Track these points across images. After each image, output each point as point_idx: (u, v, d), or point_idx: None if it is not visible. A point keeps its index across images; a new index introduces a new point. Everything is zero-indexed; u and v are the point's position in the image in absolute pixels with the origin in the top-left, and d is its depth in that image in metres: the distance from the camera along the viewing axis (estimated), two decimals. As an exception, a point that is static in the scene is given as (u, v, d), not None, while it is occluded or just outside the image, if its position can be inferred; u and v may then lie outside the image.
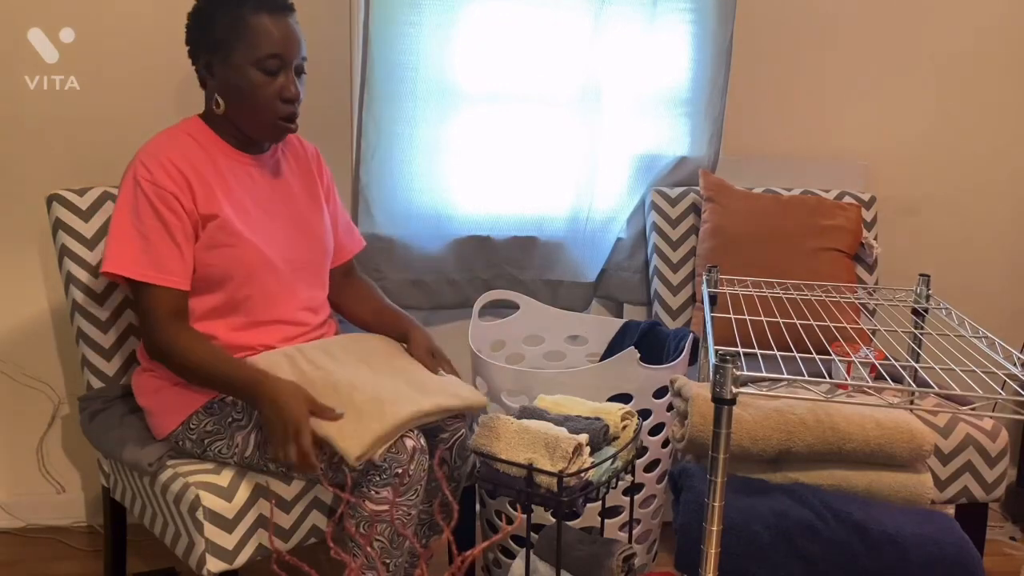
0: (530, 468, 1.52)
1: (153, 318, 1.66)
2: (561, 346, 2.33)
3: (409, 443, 1.60)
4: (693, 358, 2.07)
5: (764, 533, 1.49)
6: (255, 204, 1.77)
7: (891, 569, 1.45)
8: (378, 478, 1.58)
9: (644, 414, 1.92)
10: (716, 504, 1.28)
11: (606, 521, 1.93)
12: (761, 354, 1.42)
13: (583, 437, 1.55)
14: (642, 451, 1.96)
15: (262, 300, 1.76)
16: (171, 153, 1.70)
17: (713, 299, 1.86)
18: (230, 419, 1.70)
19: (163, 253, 1.66)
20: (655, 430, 1.99)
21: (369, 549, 1.58)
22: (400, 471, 1.57)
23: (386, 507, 1.58)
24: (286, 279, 1.79)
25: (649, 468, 2.02)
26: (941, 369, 1.40)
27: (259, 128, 1.76)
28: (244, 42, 1.68)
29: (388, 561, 1.60)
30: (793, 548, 1.47)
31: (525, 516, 1.56)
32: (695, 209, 2.48)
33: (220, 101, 1.73)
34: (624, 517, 1.93)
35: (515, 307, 2.30)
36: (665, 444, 2.03)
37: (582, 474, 1.54)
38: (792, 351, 1.38)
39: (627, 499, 1.88)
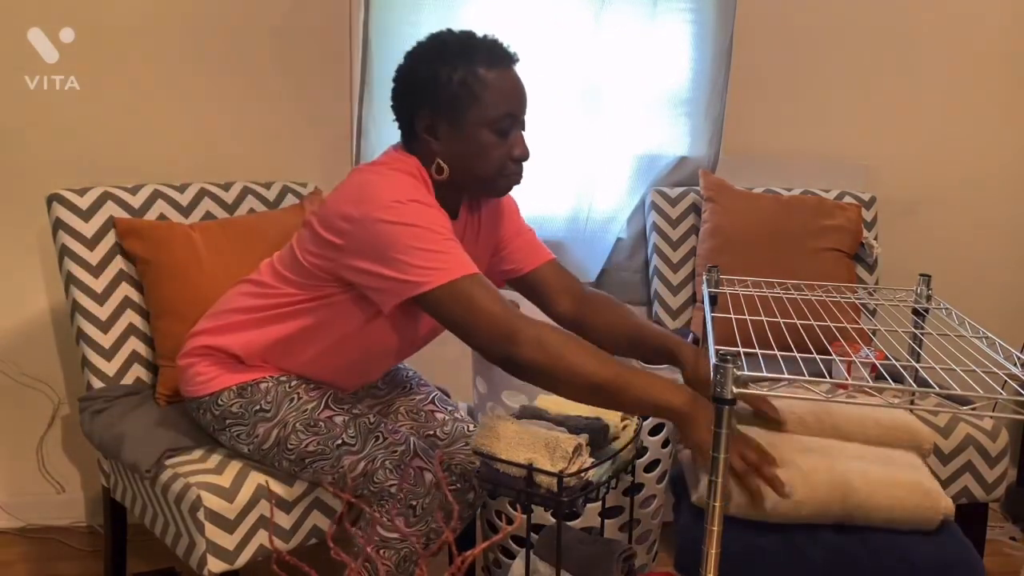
0: (530, 468, 1.52)
1: (489, 314, 1.47)
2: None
3: (428, 477, 1.60)
4: None
5: (764, 536, 1.48)
6: None
7: (892, 571, 1.45)
8: (390, 506, 1.58)
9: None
10: (716, 504, 1.28)
11: (606, 521, 1.93)
12: (761, 354, 1.41)
13: (583, 437, 1.55)
14: (642, 451, 1.96)
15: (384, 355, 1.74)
16: (412, 188, 1.53)
17: (713, 299, 1.86)
18: (257, 407, 1.69)
19: (459, 249, 1.51)
20: (655, 430, 1.99)
21: (381, 564, 1.58)
22: (415, 503, 1.58)
23: (396, 535, 1.58)
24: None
25: (649, 468, 2.02)
26: (941, 369, 1.40)
27: (484, 188, 1.63)
28: (479, 102, 1.53)
29: None
30: (793, 550, 1.47)
31: (525, 516, 1.56)
32: (695, 209, 2.48)
33: (444, 167, 1.57)
34: (624, 517, 1.93)
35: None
36: (665, 444, 2.03)
37: (582, 474, 1.54)
38: (792, 351, 1.38)
39: (627, 499, 1.88)
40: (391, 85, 1.64)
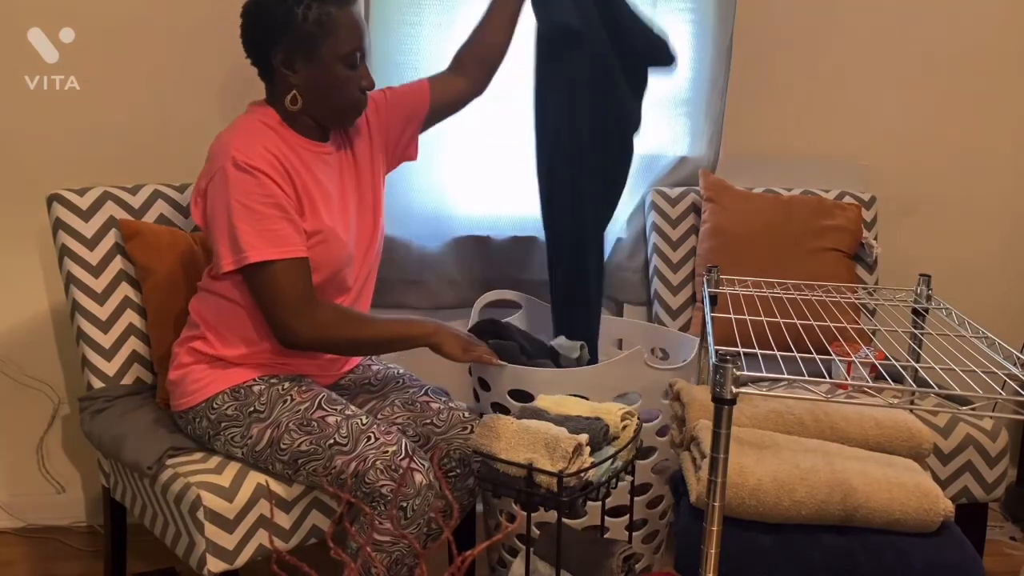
0: (530, 468, 1.52)
1: (285, 302, 1.65)
2: (563, 346, 2.32)
3: (418, 478, 1.60)
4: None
5: (763, 537, 1.48)
6: (336, 194, 1.79)
7: (891, 572, 1.45)
8: (382, 508, 1.58)
9: (650, 415, 1.93)
10: (716, 504, 1.28)
11: (612, 521, 1.93)
12: (761, 354, 1.42)
13: (583, 437, 1.55)
14: (647, 451, 1.96)
15: (337, 294, 1.80)
16: (264, 142, 1.69)
17: (713, 299, 1.86)
18: (251, 409, 1.70)
19: (280, 229, 1.65)
20: (663, 431, 1.98)
21: (372, 568, 1.58)
22: (404, 505, 1.58)
23: (388, 538, 1.58)
24: (360, 275, 1.85)
25: (657, 469, 2.02)
26: (941, 369, 1.40)
27: (337, 119, 1.78)
28: (331, 38, 1.67)
29: None
30: (793, 551, 1.47)
31: (526, 516, 1.56)
32: (695, 209, 2.48)
33: (298, 97, 1.71)
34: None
35: (517, 307, 2.30)
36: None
37: (582, 474, 1.54)
38: (792, 351, 1.38)
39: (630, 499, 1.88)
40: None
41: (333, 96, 1.72)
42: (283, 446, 1.66)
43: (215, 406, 1.72)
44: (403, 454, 1.61)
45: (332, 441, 1.64)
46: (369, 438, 1.63)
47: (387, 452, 1.60)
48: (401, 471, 1.58)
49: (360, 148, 1.87)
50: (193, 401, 1.74)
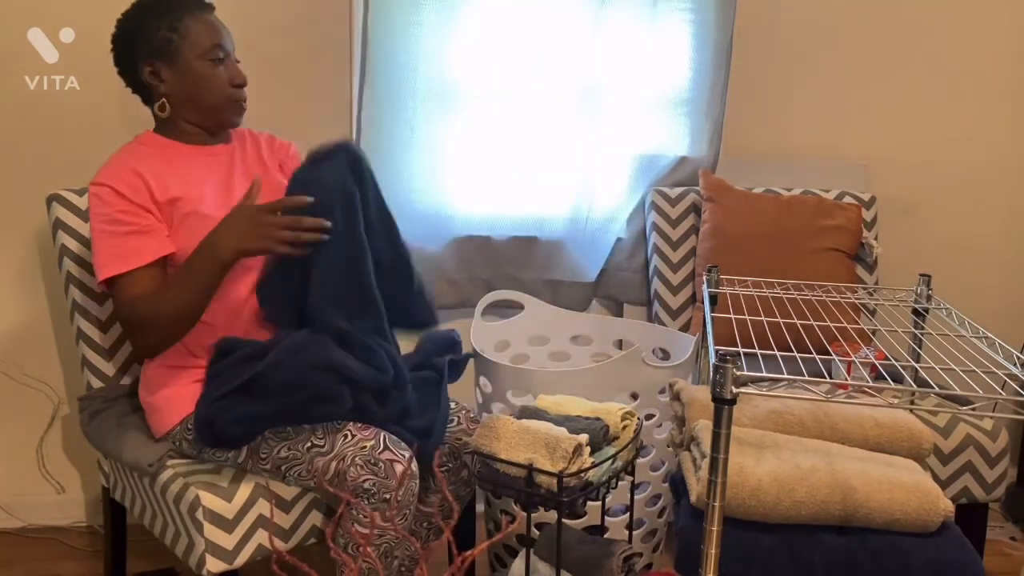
0: (530, 468, 1.52)
1: (123, 308, 1.67)
2: (567, 346, 2.33)
3: (399, 468, 1.60)
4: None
5: (764, 537, 1.48)
6: (215, 188, 1.78)
7: (891, 573, 1.45)
8: (366, 502, 1.58)
9: (650, 413, 1.92)
10: (716, 504, 1.28)
11: (613, 520, 1.93)
12: (761, 354, 1.42)
13: (583, 437, 1.55)
14: (647, 450, 1.96)
15: (244, 273, 1.75)
16: (123, 159, 1.72)
17: (713, 299, 1.86)
18: None
19: (129, 243, 1.66)
20: (659, 429, 1.99)
21: (363, 562, 1.58)
22: (388, 496, 1.58)
23: (375, 531, 1.58)
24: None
25: (656, 467, 2.02)
26: (941, 369, 1.40)
27: (213, 118, 1.78)
28: (187, 39, 1.72)
29: None
30: (793, 551, 1.47)
31: (526, 516, 1.56)
32: (695, 209, 2.48)
33: (166, 104, 1.75)
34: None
35: (519, 307, 2.30)
36: (669, 444, 2.02)
37: (582, 474, 1.54)
38: (792, 351, 1.38)
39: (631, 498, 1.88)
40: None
41: (202, 94, 1.75)
42: (263, 455, 1.67)
43: (190, 427, 1.72)
44: (381, 447, 1.61)
45: (309, 444, 1.64)
46: (346, 436, 1.63)
47: (364, 448, 1.60)
48: (381, 464, 1.58)
49: (252, 153, 1.88)
50: (168, 425, 1.74)
